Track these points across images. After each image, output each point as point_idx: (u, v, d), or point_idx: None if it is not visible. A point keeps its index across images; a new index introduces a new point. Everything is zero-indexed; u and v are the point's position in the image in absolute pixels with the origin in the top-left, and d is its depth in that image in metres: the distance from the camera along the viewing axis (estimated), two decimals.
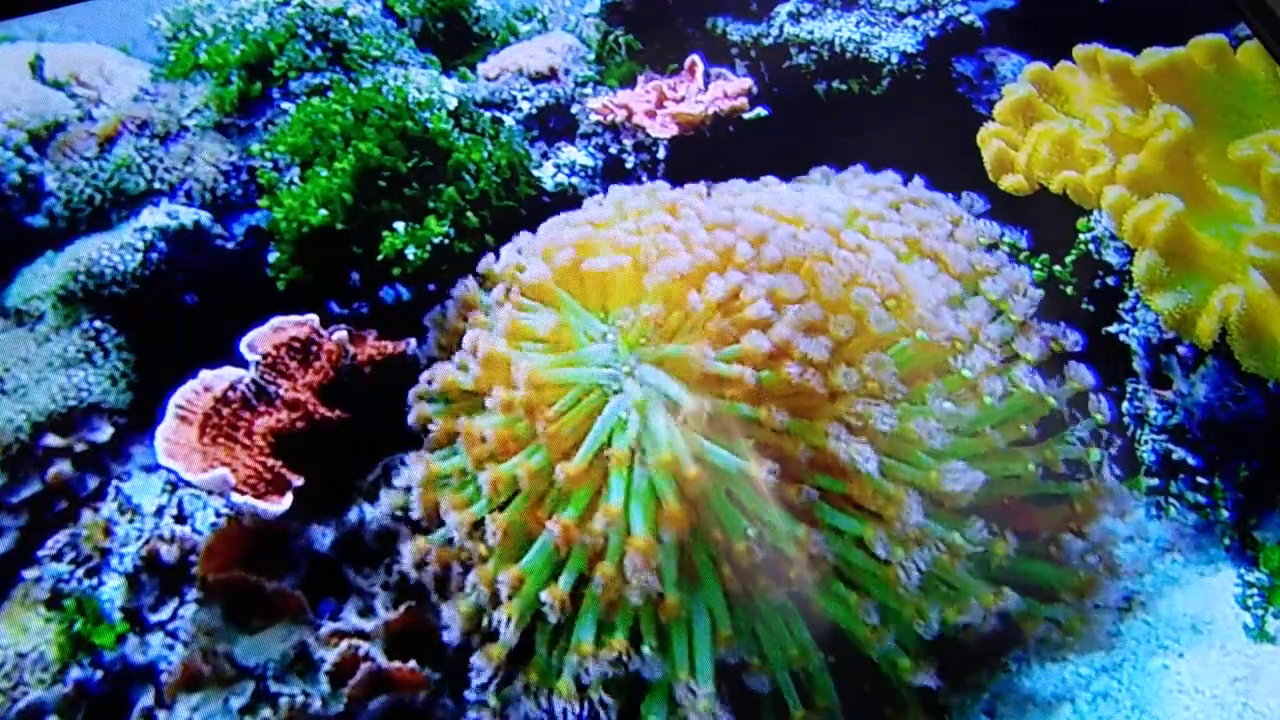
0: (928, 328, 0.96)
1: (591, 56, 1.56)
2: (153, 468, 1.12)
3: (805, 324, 0.92)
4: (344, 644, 0.96)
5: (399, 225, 1.21)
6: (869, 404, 0.91)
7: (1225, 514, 1.05)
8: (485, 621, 0.95)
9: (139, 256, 1.25)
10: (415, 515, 1.01)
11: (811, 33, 1.41)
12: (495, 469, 0.93)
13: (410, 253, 1.19)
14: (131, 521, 1.09)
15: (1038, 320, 1.04)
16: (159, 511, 1.10)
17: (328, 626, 0.98)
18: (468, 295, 1.11)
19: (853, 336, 0.93)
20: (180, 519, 1.09)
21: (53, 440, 1.13)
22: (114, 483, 1.13)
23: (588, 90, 1.50)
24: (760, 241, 0.96)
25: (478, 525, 0.96)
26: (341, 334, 1.13)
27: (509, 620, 0.91)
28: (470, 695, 0.95)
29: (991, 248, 1.11)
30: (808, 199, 1.09)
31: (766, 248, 0.96)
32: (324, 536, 1.04)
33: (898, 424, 0.91)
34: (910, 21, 1.40)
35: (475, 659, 0.94)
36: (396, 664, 0.95)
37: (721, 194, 1.11)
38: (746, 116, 1.40)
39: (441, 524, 0.99)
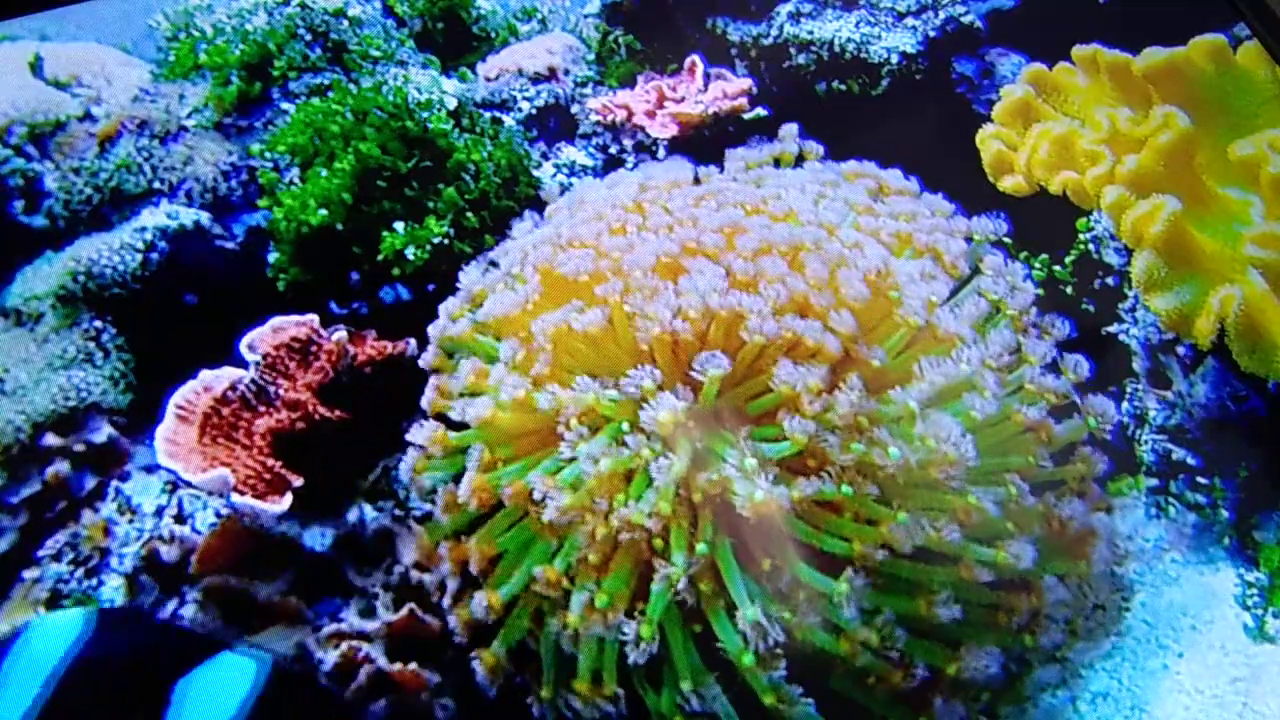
0: (926, 324, 0.96)
1: (591, 56, 1.56)
2: (153, 468, 1.12)
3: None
4: (344, 645, 0.96)
5: (399, 225, 1.21)
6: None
7: (1225, 514, 1.05)
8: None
9: (139, 257, 1.24)
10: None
11: (811, 33, 1.41)
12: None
13: (410, 253, 1.19)
14: (131, 521, 1.09)
15: (1038, 313, 1.04)
16: (159, 511, 1.10)
17: (328, 627, 0.98)
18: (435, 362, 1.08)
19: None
20: (180, 519, 1.08)
21: (52, 440, 1.13)
22: (114, 483, 1.13)
23: (588, 90, 1.50)
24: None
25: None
26: (341, 334, 1.13)
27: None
28: None
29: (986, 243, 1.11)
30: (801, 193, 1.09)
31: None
32: (323, 536, 1.04)
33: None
34: (910, 21, 1.40)
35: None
36: (398, 666, 0.95)
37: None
38: (746, 116, 1.40)
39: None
